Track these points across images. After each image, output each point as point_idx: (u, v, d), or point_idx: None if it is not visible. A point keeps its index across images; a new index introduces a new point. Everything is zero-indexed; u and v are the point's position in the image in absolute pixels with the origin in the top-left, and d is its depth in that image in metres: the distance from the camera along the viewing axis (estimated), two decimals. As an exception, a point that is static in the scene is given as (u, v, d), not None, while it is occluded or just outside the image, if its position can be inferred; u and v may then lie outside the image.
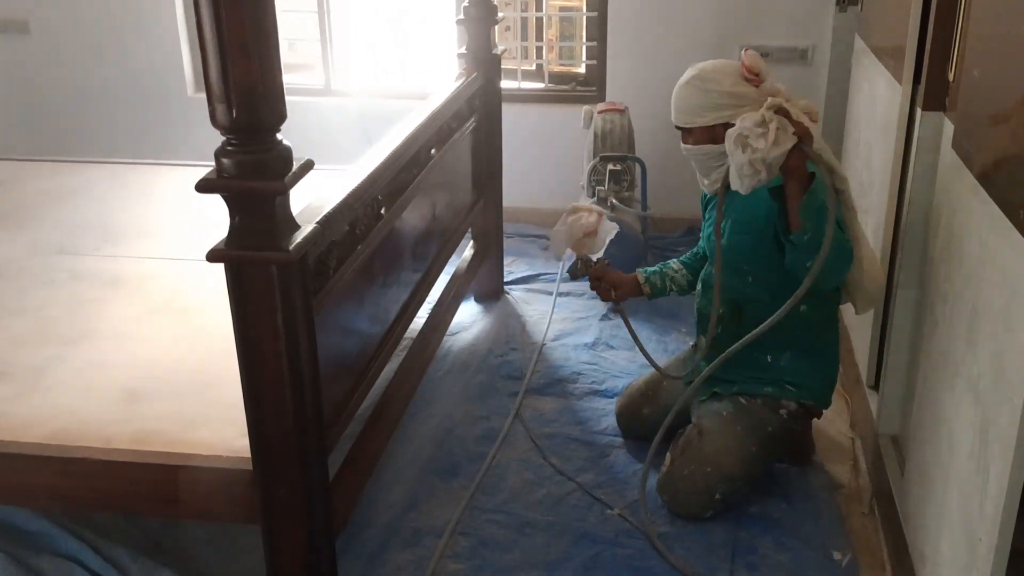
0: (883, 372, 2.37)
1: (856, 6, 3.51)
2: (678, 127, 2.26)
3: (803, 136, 1.90)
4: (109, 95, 4.48)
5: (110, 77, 4.45)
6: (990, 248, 1.54)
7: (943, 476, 1.76)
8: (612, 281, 2.46)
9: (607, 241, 2.35)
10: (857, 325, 2.82)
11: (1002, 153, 1.52)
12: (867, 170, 2.82)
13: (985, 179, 1.60)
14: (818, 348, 2.32)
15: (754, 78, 2.14)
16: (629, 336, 2.41)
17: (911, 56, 2.28)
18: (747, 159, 1.88)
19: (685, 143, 2.27)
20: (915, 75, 2.26)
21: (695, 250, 2.60)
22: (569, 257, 2.45)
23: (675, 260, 2.60)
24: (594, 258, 2.43)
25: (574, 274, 2.47)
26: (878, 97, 2.76)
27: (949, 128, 1.97)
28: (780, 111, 1.89)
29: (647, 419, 2.51)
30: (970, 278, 1.65)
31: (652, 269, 2.57)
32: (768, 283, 2.23)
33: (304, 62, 4.60)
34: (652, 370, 2.51)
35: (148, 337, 2.23)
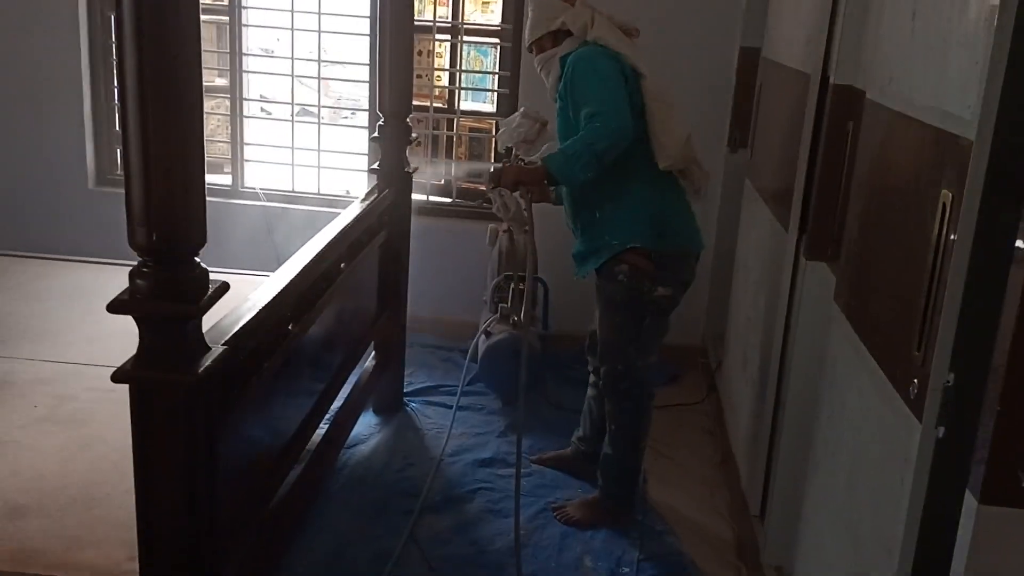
0: (768, 504, 2.45)
1: (746, 149, 3.68)
2: (530, 49, 2.80)
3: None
4: (4, 184, 4.35)
5: (6, 164, 4.33)
6: (868, 400, 1.64)
7: (824, 614, 1.82)
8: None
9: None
10: (745, 455, 2.92)
11: (877, 311, 1.63)
12: (754, 309, 2.96)
13: (863, 333, 1.70)
14: (630, 198, 2.63)
15: None
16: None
17: (798, 204, 2.38)
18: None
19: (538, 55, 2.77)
20: (801, 223, 2.38)
21: None
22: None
23: None
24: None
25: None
26: (764, 240, 2.91)
27: (832, 279, 2.10)
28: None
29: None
30: (849, 427, 1.75)
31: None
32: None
33: (215, 160, 4.59)
34: None
35: (33, 447, 2.15)
